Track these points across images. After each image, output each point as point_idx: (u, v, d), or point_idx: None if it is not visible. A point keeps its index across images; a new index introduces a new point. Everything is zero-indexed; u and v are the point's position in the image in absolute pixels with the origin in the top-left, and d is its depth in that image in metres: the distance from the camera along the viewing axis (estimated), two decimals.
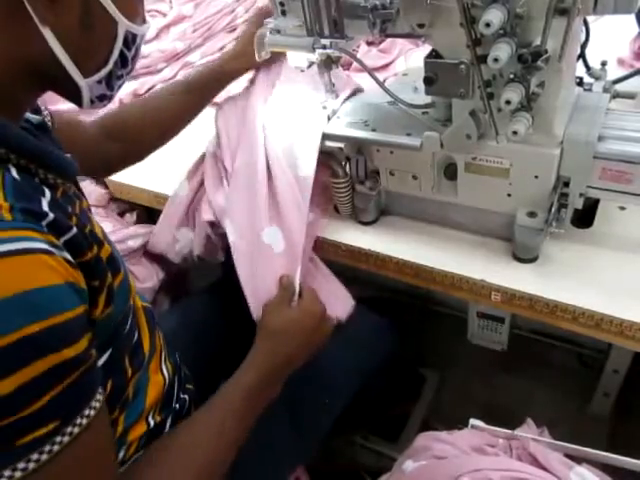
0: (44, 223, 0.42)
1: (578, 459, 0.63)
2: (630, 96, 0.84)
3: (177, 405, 0.68)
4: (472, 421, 0.70)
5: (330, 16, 0.67)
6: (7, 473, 0.39)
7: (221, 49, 1.41)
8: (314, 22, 0.69)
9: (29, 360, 0.38)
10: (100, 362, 0.51)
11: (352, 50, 0.77)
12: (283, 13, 0.73)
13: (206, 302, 0.95)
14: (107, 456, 0.48)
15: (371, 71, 0.74)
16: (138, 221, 1.10)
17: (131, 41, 0.52)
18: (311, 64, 0.77)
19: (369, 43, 1.25)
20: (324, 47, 0.71)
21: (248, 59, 0.79)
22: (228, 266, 0.78)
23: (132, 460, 0.60)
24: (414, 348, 1.29)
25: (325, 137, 0.78)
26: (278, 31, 0.74)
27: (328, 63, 0.76)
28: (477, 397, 1.24)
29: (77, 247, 0.45)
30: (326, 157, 0.80)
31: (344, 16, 0.67)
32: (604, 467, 0.63)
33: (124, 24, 0.50)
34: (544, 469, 0.60)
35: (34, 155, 0.46)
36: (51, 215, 0.43)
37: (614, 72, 0.85)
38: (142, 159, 0.86)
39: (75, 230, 0.45)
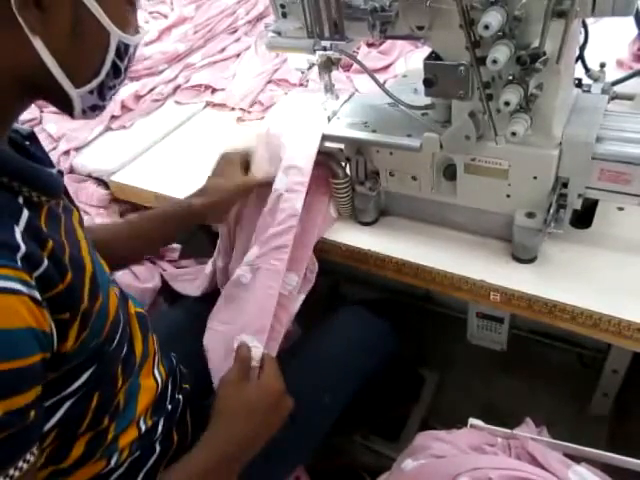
0: (18, 256, 0.42)
1: (577, 458, 0.63)
2: (628, 97, 0.85)
3: (170, 406, 0.68)
4: (471, 420, 0.70)
5: (330, 18, 0.68)
6: None
7: (222, 50, 1.42)
8: (314, 24, 0.69)
9: None
10: (83, 378, 0.51)
11: (352, 52, 0.77)
12: (284, 15, 0.73)
13: (205, 301, 0.95)
14: None
15: (371, 72, 0.74)
16: None
17: (124, 51, 0.51)
18: (311, 65, 0.77)
19: (369, 45, 1.26)
20: (324, 49, 0.72)
21: (213, 193, 0.77)
22: None
23: (127, 463, 0.60)
24: (414, 349, 1.29)
25: (325, 138, 0.79)
26: (279, 33, 0.74)
27: (328, 65, 0.76)
28: (476, 397, 1.24)
29: (48, 281, 0.44)
30: (326, 158, 0.81)
31: (344, 18, 0.67)
32: (603, 467, 0.63)
33: (116, 34, 0.49)
34: (543, 468, 0.61)
35: (18, 174, 0.45)
36: (23, 248, 0.42)
37: (613, 74, 0.85)
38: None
39: (46, 264, 0.44)
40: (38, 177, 0.47)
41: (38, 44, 0.45)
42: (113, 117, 1.24)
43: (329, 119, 0.79)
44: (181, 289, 0.98)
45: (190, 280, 0.99)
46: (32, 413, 0.42)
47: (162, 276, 1.03)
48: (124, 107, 1.26)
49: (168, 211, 0.79)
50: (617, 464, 0.63)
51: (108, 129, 1.23)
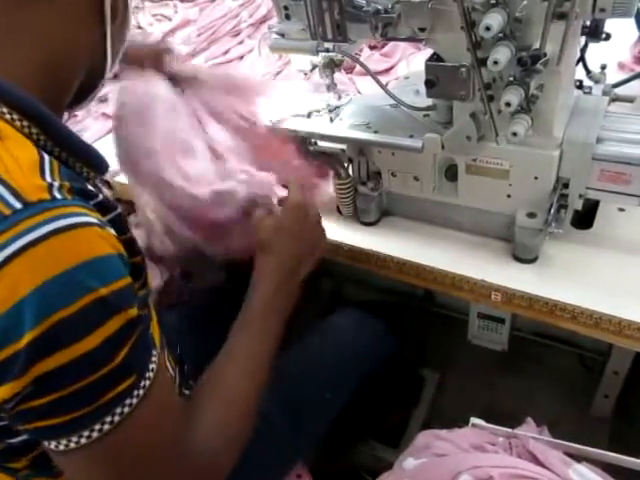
0: (92, 202, 0.45)
1: (578, 458, 0.63)
2: (629, 100, 0.85)
3: None
4: (473, 420, 0.70)
5: (333, 20, 0.68)
6: (97, 427, 0.43)
7: (225, 53, 1.43)
8: (317, 26, 0.70)
9: (104, 319, 0.42)
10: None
11: (355, 54, 0.78)
12: (287, 17, 0.74)
13: (208, 302, 0.96)
14: (173, 401, 0.53)
15: (373, 74, 0.75)
16: None
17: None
18: (314, 67, 0.78)
19: (372, 47, 1.26)
20: (327, 50, 0.73)
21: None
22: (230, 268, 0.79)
23: None
24: (415, 349, 1.29)
25: (328, 139, 0.80)
26: (282, 35, 0.75)
27: (331, 66, 0.77)
28: (477, 398, 1.24)
29: (119, 226, 0.47)
30: (329, 158, 0.81)
31: (347, 20, 0.68)
32: (604, 466, 0.63)
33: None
34: (543, 467, 0.61)
35: (74, 149, 0.48)
36: (99, 196, 0.46)
37: (615, 76, 0.86)
38: None
39: (119, 210, 0.48)
40: (89, 152, 0.50)
41: (109, 30, 0.50)
42: None
43: (332, 120, 0.80)
44: None
45: None
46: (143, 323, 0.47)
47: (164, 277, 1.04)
48: None
49: None
50: (618, 464, 0.63)
51: (112, 131, 1.23)
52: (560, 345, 1.23)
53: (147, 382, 0.46)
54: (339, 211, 0.87)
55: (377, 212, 0.84)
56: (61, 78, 0.50)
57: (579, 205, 0.71)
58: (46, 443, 0.44)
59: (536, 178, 0.69)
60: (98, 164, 0.51)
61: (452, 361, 1.31)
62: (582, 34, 0.68)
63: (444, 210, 0.81)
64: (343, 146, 0.82)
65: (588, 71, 0.79)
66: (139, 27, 1.62)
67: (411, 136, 0.73)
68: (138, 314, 0.45)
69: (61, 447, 0.43)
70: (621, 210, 0.77)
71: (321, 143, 0.83)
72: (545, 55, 0.57)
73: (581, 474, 0.60)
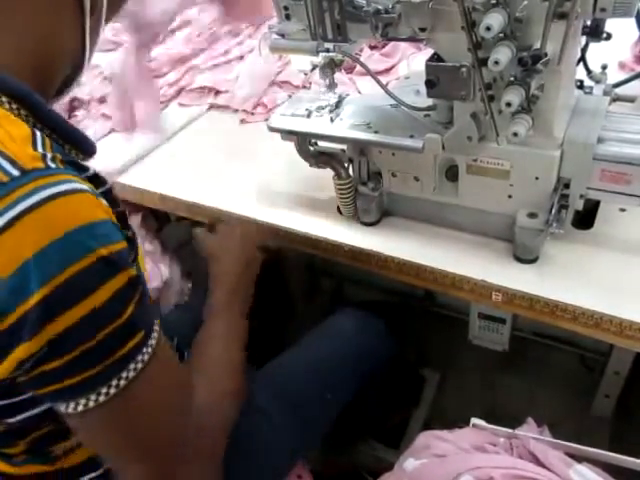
0: (83, 175, 0.46)
1: (579, 458, 0.63)
2: (630, 99, 0.85)
3: None
4: (474, 420, 0.70)
5: (333, 20, 0.68)
6: (113, 382, 0.46)
7: (225, 53, 1.43)
8: (317, 26, 0.70)
9: (108, 276, 0.44)
10: None
11: (355, 54, 0.78)
12: (287, 17, 0.74)
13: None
14: (177, 363, 0.57)
15: (374, 74, 0.75)
16: (143, 222, 1.11)
17: None
18: (314, 67, 0.78)
19: (372, 47, 1.26)
20: (327, 50, 0.72)
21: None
22: None
23: None
24: (415, 350, 1.29)
25: (328, 139, 0.80)
26: (282, 35, 0.75)
27: (331, 66, 0.77)
28: (478, 398, 1.24)
29: (111, 200, 0.48)
30: (329, 159, 0.81)
31: (347, 20, 0.68)
32: (605, 467, 0.63)
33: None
34: (544, 467, 0.61)
35: (58, 126, 0.49)
36: (90, 169, 0.48)
37: (615, 76, 0.86)
38: None
39: (109, 185, 0.50)
40: (76, 135, 0.51)
41: (88, 23, 0.51)
42: None
43: (332, 120, 0.80)
44: None
45: None
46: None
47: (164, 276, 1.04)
48: None
49: None
50: (619, 464, 0.63)
51: (112, 131, 1.24)
52: (561, 345, 1.23)
53: (154, 341, 0.49)
54: (339, 211, 0.87)
55: (377, 212, 0.84)
56: (46, 68, 0.51)
57: (580, 205, 0.71)
58: (62, 407, 0.46)
59: (537, 178, 0.69)
60: (85, 147, 0.52)
61: (453, 361, 1.31)
62: (583, 34, 0.67)
63: (444, 210, 0.80)
64: (343, 146, 0.81)
65: (589, 71, 0.79)
66: None
67: (411, 136, 0.73)
68: (137, 275, 0.47)
69: (80, 407, 0.45)
70: (622, 210, 0.77)
71: (321, 143, 0.83)
72: (546, 55, 0.57)
73: (582, 474, 0.60)
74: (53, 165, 0.43)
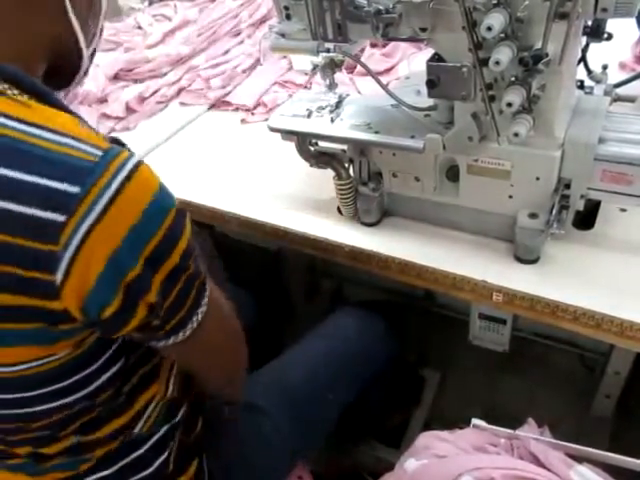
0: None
1: (579, 459, 0.63)
2: (630, 100, 0.85)
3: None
4: (474, 421, 0.70)
5: (334, 20, 0.68)
6: (195, 318, 0.52)
7: (225, 53, 1.43)
8: (318, 26, 0.70)
9: (184, 226, 0.49)
10: None
11: (355, 54, 0.78)
12: (287, 17, 0.74)
13: None
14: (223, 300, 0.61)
15: (374, 74, 0.75)
16: None
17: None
18: (315, 67, 0.78)
19: (373, 45, 1.26)
20: (328, 50, 0.72)
21: None
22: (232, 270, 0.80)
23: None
24: (415, 350, 1.29)
25: (328, 139, 0.79)
26: (282, 35, 0.75)
27: (332, 66, 0.77)
28: (479, 399, 1.24)
29: None
30: (329, 159, 0.81)
31: (347, 20, 0.68)
32: (605, 467, 0.63)
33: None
34: (545, 468, 0.61)
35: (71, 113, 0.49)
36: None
37: (616, 76, 0.86)
38: None
39: None
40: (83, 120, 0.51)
41: (73, 17, 0.51)
42: (117, 119, 1.24)
43: (332, 120, 0.80)
44: None
45: None
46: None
47: None
48: (128, 109, 1.26)
49: None
50: (619, 464, 0.63)
51: (112, 130, 1.24)
52: (561, 345, 1.23)
53: (207, 286, 0.54)
54: (340, 212, 0.87)
55: (378, 213, 0.84)
56: (24, 54, 0.50)
57: (581, 206, 0.71)
58: (155, 342, 0.53)
59: (538, 179, 0.69)
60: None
61: (453, 361, 1.31)
62: (583, 34, 0.67)
63: (445, 211, 0.80)
64: (344, 146, 0.81)
65: (589, 71, 0.78)
66: (139, 27, 1.63)
67: (412, 136, 0.73)
68: (190, 245, 0.51)
69: (170, 342, 0.52)
70: (623, 210, 0.77)
71: (321, 143, 0.83)
72: (547, 55, 0.57)
73: (583, 475, 0.60)
74: (109, 145, 0.45)
